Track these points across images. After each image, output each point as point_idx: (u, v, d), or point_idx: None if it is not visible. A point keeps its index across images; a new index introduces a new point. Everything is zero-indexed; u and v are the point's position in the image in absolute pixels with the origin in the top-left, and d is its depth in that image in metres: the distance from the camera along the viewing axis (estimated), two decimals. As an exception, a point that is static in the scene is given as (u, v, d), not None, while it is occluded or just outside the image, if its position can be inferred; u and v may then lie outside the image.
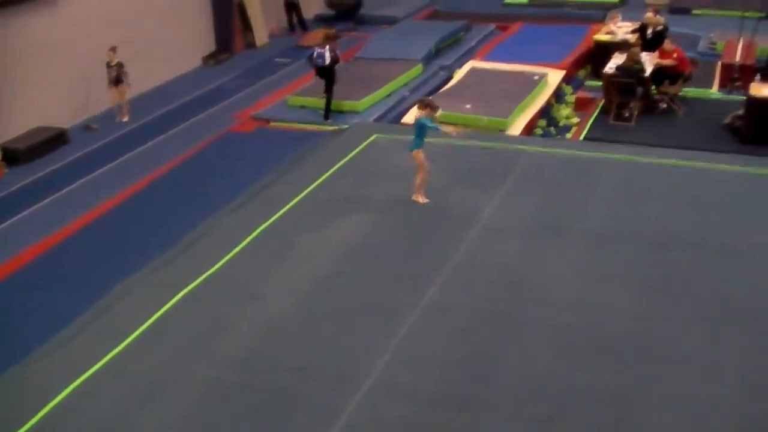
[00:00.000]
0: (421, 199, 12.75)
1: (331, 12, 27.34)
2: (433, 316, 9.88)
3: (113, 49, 18.00)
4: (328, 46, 18.20)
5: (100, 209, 14.20)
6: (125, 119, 18.66)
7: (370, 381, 8.73)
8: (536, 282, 10.55)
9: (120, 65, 18.04)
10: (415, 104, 12.09)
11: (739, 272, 10.63)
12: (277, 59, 23.18)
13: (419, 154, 12.35)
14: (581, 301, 10.10)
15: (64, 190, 15.04)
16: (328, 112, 18.06)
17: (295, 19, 26.10)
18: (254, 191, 13.67)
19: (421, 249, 11.48)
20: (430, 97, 12.06)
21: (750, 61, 18.91)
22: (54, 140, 17.11)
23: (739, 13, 19.54)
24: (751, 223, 11.92)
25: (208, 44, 23.16)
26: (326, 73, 18.15)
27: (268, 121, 18.14)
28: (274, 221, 12.46)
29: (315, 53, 18.28)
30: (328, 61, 18.05)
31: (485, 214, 12.40)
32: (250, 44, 24.41)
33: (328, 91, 18.13)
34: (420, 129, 12.12)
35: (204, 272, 11.01)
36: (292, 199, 13.09)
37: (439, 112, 12.35)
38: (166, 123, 18.29)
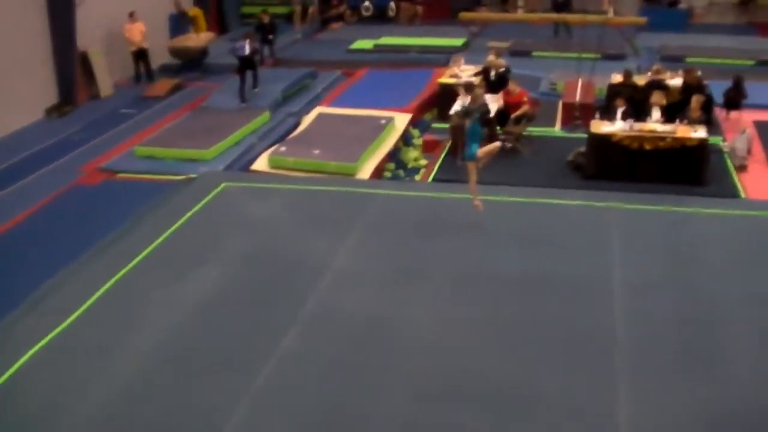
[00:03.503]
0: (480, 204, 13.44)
1: (176, 61, 27.15)
2: (290, 366, 9.89)
3: None
4: (247, 40, 22.16)
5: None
6: None
7: (228, 434, 8.70)
8: (392, 328, 10.69)
9: None
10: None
11: (591, 307, 11.09)
12: (123, 110, 22.85)
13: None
14: (438, 345, 10.28)
15: None
16: (256, 81, 22.37)
17: (142, 68, 25.82)
18: (103, 245, 13.42)
19: (274, 299, 11.50)
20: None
21: (589, 100, 19.66)
22: None
23: (576, 55, 20.33)
24: (598, 257, 12.48)
25: (51, 96, 22.66)
26: (248, 62, 22.09)
27: (115, 172, 17.84)
28: (124, 275, 12.28)
29: (237, 45, 22.29)
30: (247, 51, 21.92)
31: (337, 260, 12.52)
32: (95, 95, 24.01)
33: (254, 77, 22.32)
34: (473, 132, 12.98)
35: (53, 330, 10.73)
36: (143, 252, 12.94)
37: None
38: (9, 178, 17.74)
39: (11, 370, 9.89)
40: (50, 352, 10.30)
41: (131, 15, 24.91)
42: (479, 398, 9.24)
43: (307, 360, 10.01)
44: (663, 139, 15.71)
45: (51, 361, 10.13)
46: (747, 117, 19.27)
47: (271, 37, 26.88)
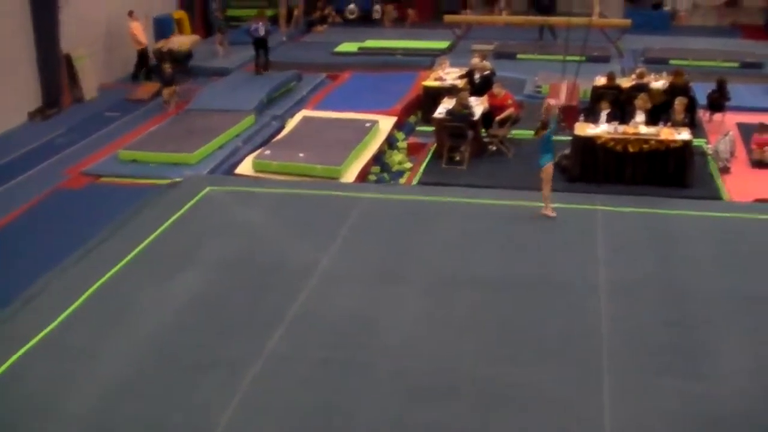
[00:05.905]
0: (551, 212, 13.82)
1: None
2: (277, 366, 9.91)
3: None
4: (261, 22, 24.78)
5: None
6: None
7: (216, 435, 8.69)
8: (377, 329, 10.74)
9: None
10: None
11: (576, 308, 11.15)
12: (107, 113, 22.77)
13: (550, 168, 13.53)
14: (423, 345, 10.34)
15: None
16: (268, 65, 25.09)
17: (142, 70, 25.89)
18: (89, 247, 13.36)
19: (260, 301, 11.50)
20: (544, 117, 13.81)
21: (574, 102, 19.72)
22: None
23: (561, 57, 20.38)
24: (583, 259, 12.54)
25: (34, 99, 22.54)
26: (262, 43, 24.84)
27: (99, 176, 17.78)
28: (110, 277, 12.25)
29: (252, 27, 24.84)
30: (262, 32, 24.65)
31: (323, 263, 12.53)
32: (79, 98, 23.90)
33: (266, 55, 25.09)
34: (547, 142, 13.44)
35: (41, 331, 10.70)
36: (128, 255, 12.90)
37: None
38: (-8, 181, 17.67)
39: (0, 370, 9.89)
40: (38, 352, 10.28)
41: (131, 14, 24.97)
42: (465, 397, 9.28)
43: (294, 360, 10.03)
44: (647, 141, 15.79)
45: (39, 361, 10.11)
46: (730, 119, 19.37)
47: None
